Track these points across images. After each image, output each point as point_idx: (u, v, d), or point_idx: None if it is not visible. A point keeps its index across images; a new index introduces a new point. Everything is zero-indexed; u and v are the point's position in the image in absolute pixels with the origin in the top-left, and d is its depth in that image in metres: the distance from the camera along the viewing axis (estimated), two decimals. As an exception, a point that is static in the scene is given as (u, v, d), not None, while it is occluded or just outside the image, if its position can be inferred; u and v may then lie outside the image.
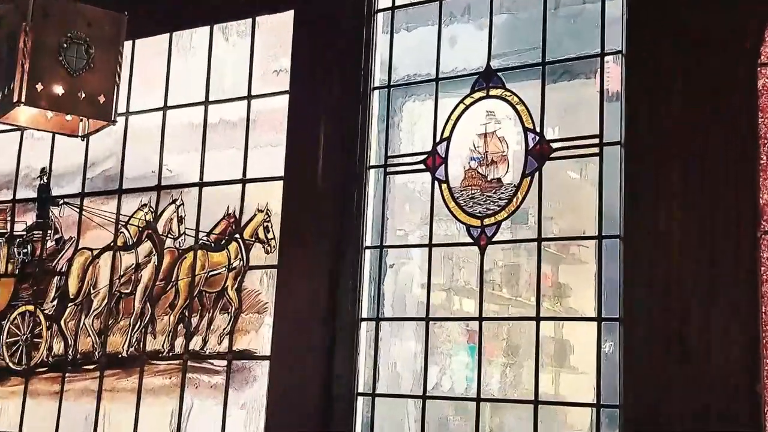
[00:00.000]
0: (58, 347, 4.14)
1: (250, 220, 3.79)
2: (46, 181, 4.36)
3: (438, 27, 3.52)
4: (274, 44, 3.90)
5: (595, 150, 3.15)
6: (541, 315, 3.21)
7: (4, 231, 4.43)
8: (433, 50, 3.52)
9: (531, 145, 3.24)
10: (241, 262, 3.76)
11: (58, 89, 3.23)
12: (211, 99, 3.97)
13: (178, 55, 4.12)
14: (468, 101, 3.41)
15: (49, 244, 4.28)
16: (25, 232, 4.38)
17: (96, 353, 4.02)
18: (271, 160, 3.77)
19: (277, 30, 3.89)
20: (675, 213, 2.99)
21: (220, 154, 3.94)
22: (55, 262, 4.24)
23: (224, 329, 3.73)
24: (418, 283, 3.59)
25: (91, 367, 4.02)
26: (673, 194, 3.00)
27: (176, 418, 3.76)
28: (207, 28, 4.03)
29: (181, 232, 3.92)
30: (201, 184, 3.90)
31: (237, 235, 3.79)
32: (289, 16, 3.82)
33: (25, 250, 4.34)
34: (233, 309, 3.73)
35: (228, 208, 3.84)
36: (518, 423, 3.43)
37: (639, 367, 2.95)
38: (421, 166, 3.49)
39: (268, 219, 3.74)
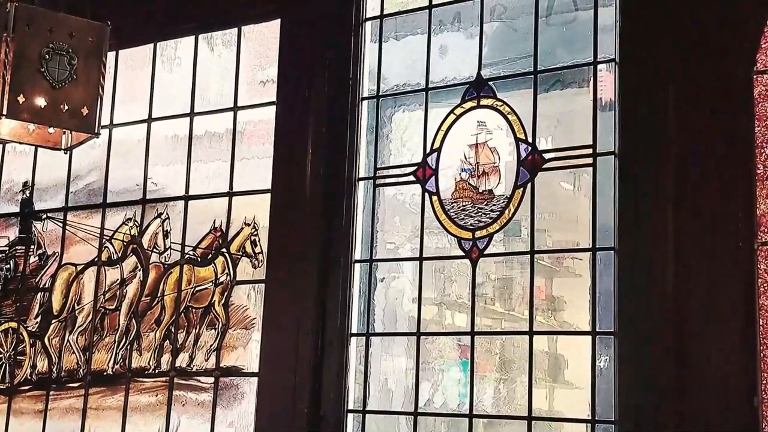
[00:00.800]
0: (42, 365, 4.06)
1: (237, 233, 3.72)
2: (28, 195, 4.29)
3: (428, 36, 3.47)
4: (260, 54, 3.84)
5: (589, 161, 3.09)
6: (535, 329, 3.14)
7: (-14, 246, 4.36)
8: (422, 59, 3.47)
9: (523, 155, 3.18)
10: (228, 276, 3.69)
11: (41, 101, 3.19)
12: (196, 110, 3.91)
13: (163, 66, 4.06)
14: (458, 111, 3.36)
15: (32, 259, 4.21)
16: (7, 248, 4.30)
17: (81, 371, 3.94)
18: (259, 172, 3.71)
19: (263, 40, 3.83)
20: (670, 224, 2.94)
21: (206, 167, 3.88)
22: (38, 277, 4.17)
23: (211, 345, 3.66)
24: (409, 297, 3.53)
25: (76, 384, 3.94)
26: (668, 205, 2.94)
27: (163, 437, 3.69)
28: (192, 39, 3.97)
29: (167, 246, 3.85)
30: (187, 198, 3.83)
31: (224, 250, 3.73)
32: (275, 25, 3.77)
33: (8, 266, 4.27)
34: (220, 325, 3.66)
35: (214, 221, 3.77)
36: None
37: (634, 381, 2.90)
38: (411, 178, 3.43)
39: (255, 233, 3.68)
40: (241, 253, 3.70)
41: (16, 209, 4.32)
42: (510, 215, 3.19)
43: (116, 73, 4.05)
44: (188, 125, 3.90)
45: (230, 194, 3.74)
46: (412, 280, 3.46)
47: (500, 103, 3.28)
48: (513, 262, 3.39)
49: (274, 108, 3.71)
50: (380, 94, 3.56)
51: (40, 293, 4.14)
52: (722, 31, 2.94)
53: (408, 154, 3.51)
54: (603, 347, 3.01)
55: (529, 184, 3.17)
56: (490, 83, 3.31)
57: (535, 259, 3.19)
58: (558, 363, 3.51)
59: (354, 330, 3.44)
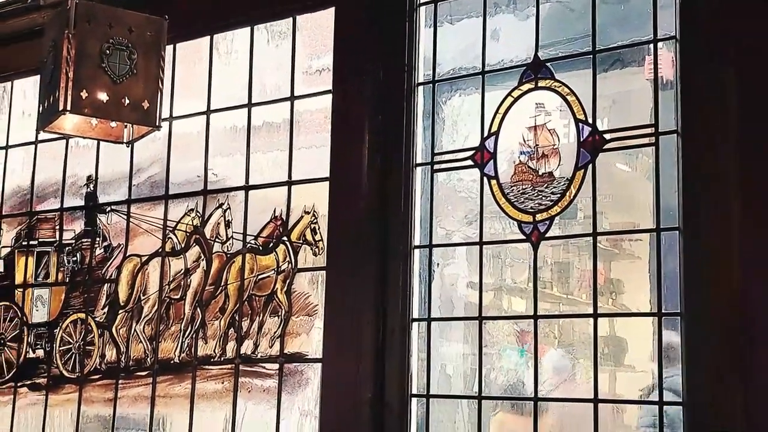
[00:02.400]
0: (110, 354, 4.15)
1: (297, 222, 3.75)
2: (92, 188, 4.37)
3: (483, 19, 3.45)
4: (315, 43, 3.86)
5: (651, 140, 3.05)
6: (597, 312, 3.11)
7: (53, 240, 4.46)
8: (478, 43, 3.45)
9: (583, 136, 3.15)
10: (290, 264, 3.73)
11: (102, 96, 3.25)
12: (253, 101, 3.94)
13: (219, 58, 4.10)
14: (516, 94, 3.33)
15: (98, 251, 4.29)
16: (73, 241, 4.40)
17: (148, 359, 4.02)
18: (317, 160, 3.73)
19: (318, 29, 3.85)
20: (735, 202, 2.89)
21: (264, 157, 3.91)
22: (104, 269, 4.26)
23: (275, 332, 3.71)
24: (464, 283, 3.53)
25: (144, 373, 4.02)
26: (733, 183, 2.89)
27: (230, 423, 3.74)
28: (247, 30, 4.00)
29: (229, 236, 3.90)
30: (247, 188, 3.88)
31: (284, 238, 3.76)
32: (330, 13, 3.78)
33: (75, 259, 4.36)
34: (283, 312, 3.71)
35: (275, 210, 3.81)
36: (575, 423, 3.36)
37: (702, 362, 2.86)
38: (469, 162, 3.42)
39: (315, 221, 3.71)
40: (301, 241, 3.73)
41: (81, 203, 4.41)
42: (571, 197, 3.15)
43: (174, 67, 4.09)
44: (246, 116, 3.94)
45: (289, 183, 3.77)
46: (468, 266, 3.45)
47: (558, 84, 3.24)
48: (570, 246, 3.36)
49: (330, 96, 3.73)
50: (436, 79, 3.55)
51: (106, 284, 4.22)
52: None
53: (465, 138, 3.50)
54: (667, 329, 2.97)
55: (590, 166, 3.13)
56: (548, 64, 3.28)
57: (596, 242, 3.15)
58: (619, 346, 3.49)
59: (415, 315, 3.45)
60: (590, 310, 3.12)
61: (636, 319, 3.25)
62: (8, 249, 4.61)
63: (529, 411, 3.18)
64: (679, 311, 2.92)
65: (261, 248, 3.81)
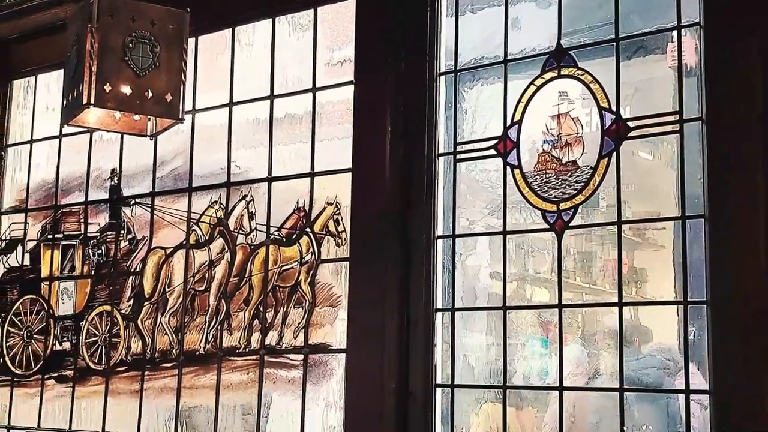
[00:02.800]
0: (136, 346, 4.18)
1: (320, 213, 3.76)
2: (116, 181, 4.40)
3: (504, 7, 3.44)
4: (336, 35, 3.86)
5: (676, 127, 3.03)
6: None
7: (78, 233, 4.49)
8: (499, 31, 3.44)
9: (607, 124, 3.13)
10: (313, 255, 3.74)
11: (126, 89, 3.26)
12: (276, 93, 3.95)
13: (241, 50, 4.11)
14: (539, 82, 3.32)
15: (123, 244, 4.33)
16: (98, 234, 4.43)
17: (174, 351, 4.05)
18: (339, 152, 3.73)
19: (339, 20, 3.85)
20: (761, 188, 2.86)
21: (287, 149, 3.92)
22: (129, 262, 4.29)
23: (299, 323, 3.72)
24: (486, 273, 3.52)
25: (170, 364, 4.05)
26: (758, 169, 2.87)
27: (256, 413, 3.77)
28: (269, 21, 4.01)
29: (252, 227, 3.92)
30: (270, 179, 3.89)
31: (307, 229, 3.77)
32: (351, 4, 3.78)
33: (100, 251, 4.40)
34: (307, 303, 3.72)
35: (297, 202, 3.82)
36: (600, 412, 3.35)
37: (729, 350, 2.84)
38: (492, 152, 3.41)
39: (337, 212, 3.71)
40: (324, 233, 3.74)
41: (105, 196, 4.44)
42: (595, 186, 3.14)
43: (196, 59, 4.11)
44: (269, 108, 3.95)
45: (312, 174, 3.78)
46: (489, 256, 3.44)
47: (582, 72, 3.23)
48: (592, 236, 3.35)
49: (351, 87, 3.73)
50: (458, 68, 3.54)
51: (131, 277, 4.26)
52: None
53: (487, 128, 3.49)
54: (692, 318, 2.96)
55: (614, 154, 3.12)
56: (571, 52, 3.26)
57: (620, 231, 3.13)
58: (643, 335, 3.47)
59: (439, 305, 3.45)
60: (613, 300, 3.11)
61: (660, 308, 3.24)
62: (34, 242, 4.65)
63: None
64: (705, 299, 2.91)
65: (284, 239, 3.83)
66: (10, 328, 4.62)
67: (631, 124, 3.13)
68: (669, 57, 3.16)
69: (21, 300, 4.62)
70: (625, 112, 3.18)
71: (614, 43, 3.17)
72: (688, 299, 2.95)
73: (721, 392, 2.83)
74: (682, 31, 3.08)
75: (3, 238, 4.74)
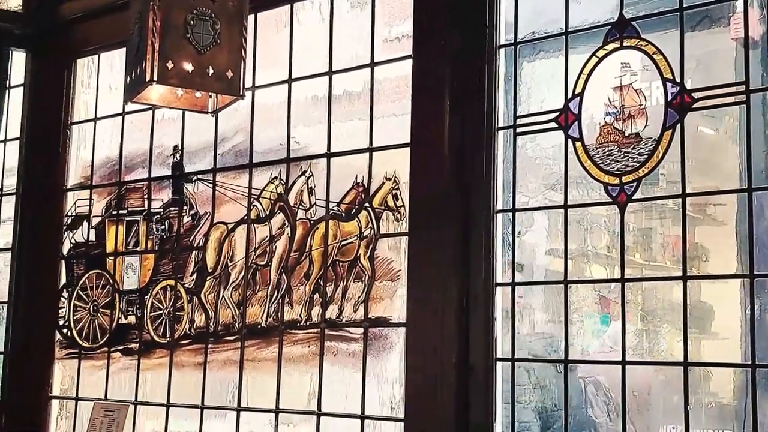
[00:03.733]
0: (199, 320, 4.26)
1: (379, 188, 3.78)
2: (179, 158, 4.47)
3: (565, -21, 3.40)
4: (394, 10, 3.85)
5: (741, 98, 2.97)
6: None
7: (142, 209, 4.58)
8: (560, 3, 3.40)
9: (671, 96, 3.08)
10: (372, 230, 3.76)
11: (188, 66, 3.29)
12: (334, 69, 3.96)
13: (300, 26, 4.13)
14: (600, 54, 3.27)
15: (186, 219, 4.40)
16: (161, 209, 4.51)
17: (236, 324, 4.12)
18: (397, 127, 3.73)
19: (397, -5, 3.84)
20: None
21: (345, 125, 3.94)
22: (192, 237, 4.36)
23: (359, 297, 3.75)
24: (542, 250, 3.50)
25: (233, 338, 4.12)
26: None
27: (317, 386, 3.81)
28: (327, -2, 4.02)
29: (312, 203, 3.95)
30: (329, 155, 3.91)
31: (366, 204, 3.79)
32: (409, -21, 3.77)
33: (163, 227, 4.47)
34: (367, 277, 3.74)
35: (356, 177, 3.84)
36: (662, 387, 3.33)
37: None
38: (553, 125, 3.38)
39: (396, 187, 3.72)
40: (383, 208, 3.75)
41: (168, 172, 4.51)
42: (659, 158, 3.09)
43: (256, 36, 4.14)
44: (327, 84, 3.96)
45: (370, 150, 3.79)
46: (547, 233, 3.42)
47: (645, 43, 3.18)
48: (652, 212, 3.30)
49: (410, 62, 3.72)
50: (518, 41, 3.51)
51: (194, 252, 4.33)
52: None
53: (548, 100, 3.46)
54: (758, 292, 2.91)
55: (678, 126, 3.07)
56: (633, 23, 3.21)
57: (678, 207, 3.09)
58: (704, 313, 3.43)
59: (498, 280, 3.44)
60: (676, 275, 3.07)
61: (722, 285, 3.19)
62: (99, 218, 4.76)
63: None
64: (772, 273, 2.86)
65: (344, 215, 3.85)
66: (76, 302, 4.73)
67: (695, 95, 3.07)
68: (732, 29, 3.09)
69: (87, 275, 4.73)
70: (688, 85, 3.12)
71: (678, 13, 3.11)
72: (755, 272, 2.90)
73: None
74: (748, 0, 3.01)
75: (69, 214, 4.85)
